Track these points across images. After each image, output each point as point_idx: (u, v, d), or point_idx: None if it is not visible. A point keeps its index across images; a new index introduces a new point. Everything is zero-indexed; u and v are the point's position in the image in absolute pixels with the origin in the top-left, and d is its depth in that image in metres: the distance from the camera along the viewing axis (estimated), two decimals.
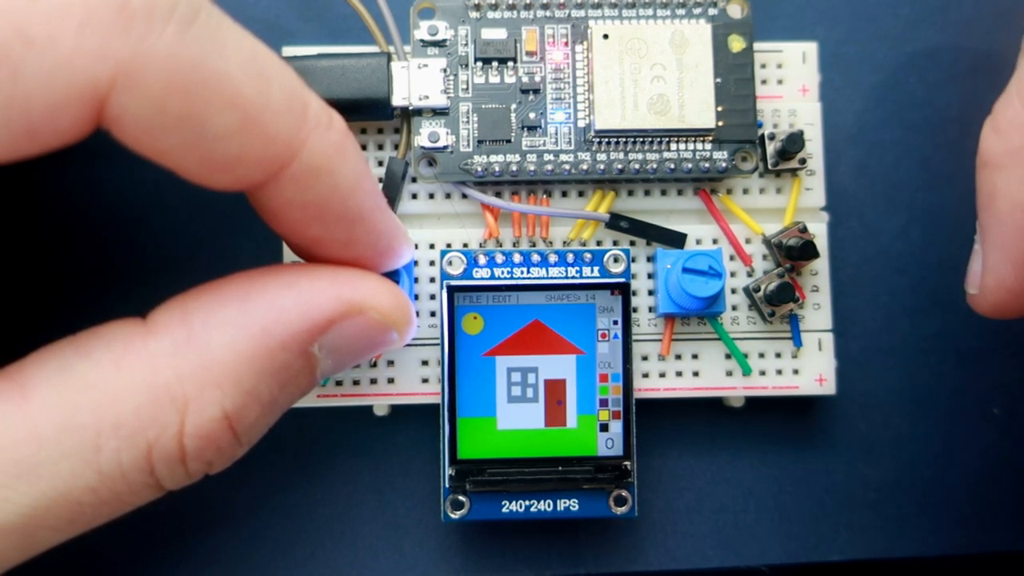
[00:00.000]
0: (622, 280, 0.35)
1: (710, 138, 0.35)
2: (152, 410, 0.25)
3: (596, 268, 0.35)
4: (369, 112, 0.35)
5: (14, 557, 0.26)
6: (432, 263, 0.36)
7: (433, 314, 0.36)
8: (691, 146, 0.35)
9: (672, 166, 0.35)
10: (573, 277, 0.35)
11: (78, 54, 0.22)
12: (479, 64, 0.35)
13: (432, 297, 0.36)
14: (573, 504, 0.35)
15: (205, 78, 0.24)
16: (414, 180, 0.36)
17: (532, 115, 0.35)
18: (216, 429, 0.26)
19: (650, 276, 0.36)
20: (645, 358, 0.36)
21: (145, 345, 0.26)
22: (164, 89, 0.23)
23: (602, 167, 0.35)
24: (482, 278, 0.35)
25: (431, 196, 0.36)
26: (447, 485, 0.34)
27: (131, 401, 0.25)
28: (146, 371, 0.25)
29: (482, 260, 0.35)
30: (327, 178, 0.27)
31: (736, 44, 0.36)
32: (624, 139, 0.35)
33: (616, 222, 0.36)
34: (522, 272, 0.35)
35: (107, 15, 0.22)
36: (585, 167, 0.35)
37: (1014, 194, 0.30)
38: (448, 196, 0.36)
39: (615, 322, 0.35)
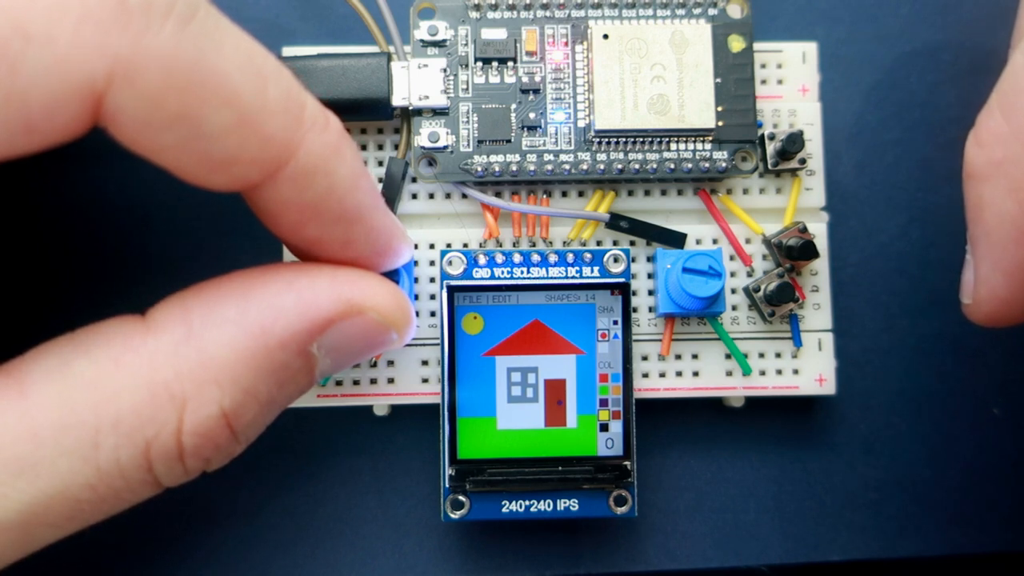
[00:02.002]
0: (622, 280, 0.35)
1: (710, 138, 0.35)
2: (151, 408, 0.25)
3: (596, 268, 0.35)
4: (369, 112, 0.35)
5: (12, 554, 0.26)
6: (432, 263, 0.36)
7: (433, 314, 0.36)
8: (691, 146, 0.35)
9: (672, 166, 0.35)
10: (573, 277, 0.35)
11: (76, 50, 0.22)
12: (479, 64, 0.35)
13: (432, 297, 0.36)
14: (573, 504, 0.35)
15: (202, 76, 0.24)
16: (414, 180, 0.36)
17: (532, 115, 0.35)
18: (214, 427, 0.26)
19: (650, 276, 0.36)
20: (645, 358, 0.36)
21: (144, 342, 0.26)
22: (161, 86, 0.23)
23: (602, 167, 0.35)
24: (482, 278, 0.35)
25: (431, 196, 0.36)
26: (447, 485, 0.34)
27: (130, 398, 0.25)
28: (145, 369, 0.26)
29: (482, 260, 0.35)
30: (324, 179, 0.27)
31: (736, 44, 0.36)
32: (624, 139, 0.35)
33: (616, 222, 0.36)
34: (522, 272, 0.35)
35: (105, 12, 0.22)
36: (585, 167, 0.35)
37: (999, 205, 0.30)
38: (448, 196, 0.36)
39: (615, 322, 0.35)
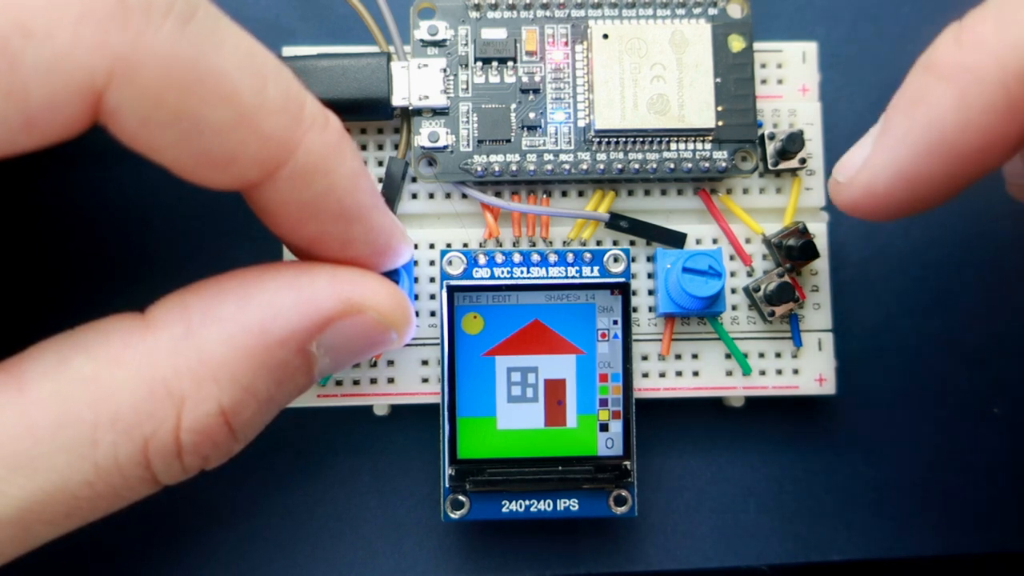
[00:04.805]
0: (622, 280, 0.35)
1: (710, 138, 0.35)
2: (149, 405, 0.25)
3: (596, 268, 0.35)
4: (369, 112, 0.35)
5: (10, 551, 0.26)
6: (432, 263, 0.36)
7: (433, 314, 0.36)
8: (691, 146, 0.35)
9: (672, 166, 0.35)
10: (573, 277, 0.35)
11: (76, 47, 0.22)
12: (479, 64, 0.35)
13: (432, 297, 0.36)
14: (573, 504, 0.35)
15: (201, 74, 0.24)
16: (414, 180, 0.36)
17: (532, 115, 0.35)
18: (212, 424, 0.26)
19: (650, 276, 0.36)
20: (645, 358, 0.36)
21: (143, 340, 0.26)
22: (160, 84, 0.23)
23: (602, 167, 0.35)
24: (482, 278, 0.35)
25: (431, 196, 0.36)
26: (447, 485, 0.34)
27: (128, 395, 0.25)
28: (143, 366, 0.26)
29: (482, 260, 0.35)
30: (323, 178, 0.27)
31: (736, 44, 0.36)
32: (624, 139, 0.35)
33: (616, 222, 0.36)
34: (522, 272, 0.35)
35: (105, 9, 0.23)
36: (585, 167, 0.35)
37: (938, 110, 0.27)
38: (448, 196, 0.36)
39: (615, 322, 0.35)
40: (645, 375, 0.36)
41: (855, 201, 0.30)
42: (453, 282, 0.34)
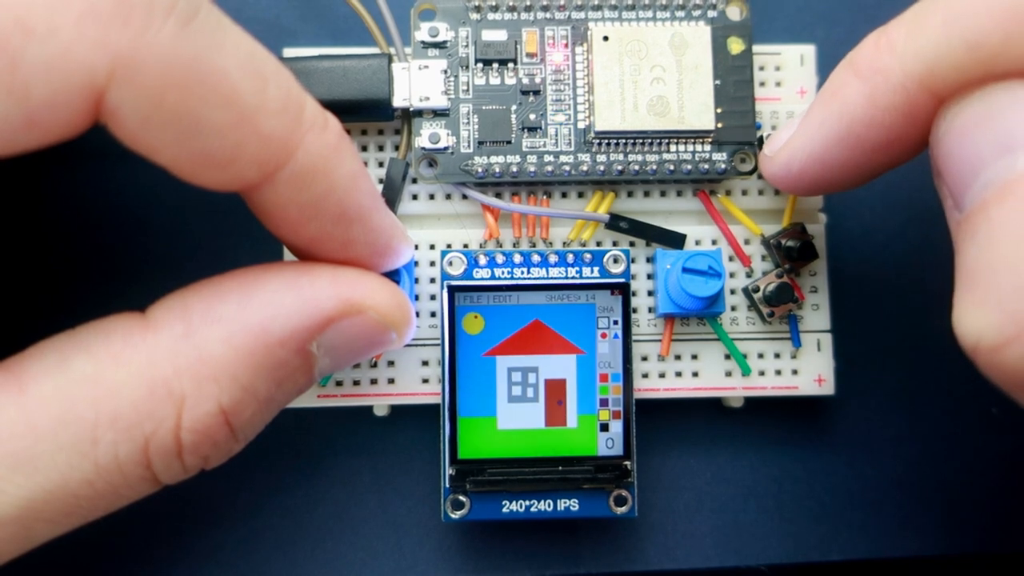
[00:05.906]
0: (622, 280, 0.35)
1: (709, 139, 0.35)
2: (149, 404, 0.25)
3: (596, 268, 0.35)
4: (370, 113, 0.35)
5: (10, 550, 0.26)
6: (432, 263, 0.36)
7: (433, 314, 0.36)
8: (690, 147, 0.35)
9: (671, 167, 0.35)
10: (573, 277, 0.35)
11: (77, 45, 0.22)
12: (479, 65, 0.35)
13: (432, 297, 0.36)
14: (573, 504, 0.35)
15: (202, 74, 0.24)
16: (414, 181, 0.36)
17: (532, 116, 0.35)
18: (212, 424, 0.26)
19: (650, 276, 0.36)
20: (645, 358, 0.36)
21: (144, 339, 0.26)
22: (161, 83, 0.23)
23: (602, 168, 0.35)
24: (482, 278, 0.35)
25: (431, 197, 0.36)
26: (447, 485, 0.34)
27: (129, 395, 0.25)
28: (144, 365, 0.26)
29: (482, 260, 0.35)
30: (323, 179, 0.27)
31: (735, 46, 0.36)
32: (624, 140, 0.35)
33: (616, 223, 0.36)
34: (522, 272, 0.35)
35: (107, 8, 0.23)
36: (585, 168, 0.35)
37: (850, 104, 0.29)
38: (448, 197, 0.36)
39: (615, 322, 0.35)
40: (645, 375, 0.36)
41: (774, 175, 0.33)
42: (453, 282, 0.34)
